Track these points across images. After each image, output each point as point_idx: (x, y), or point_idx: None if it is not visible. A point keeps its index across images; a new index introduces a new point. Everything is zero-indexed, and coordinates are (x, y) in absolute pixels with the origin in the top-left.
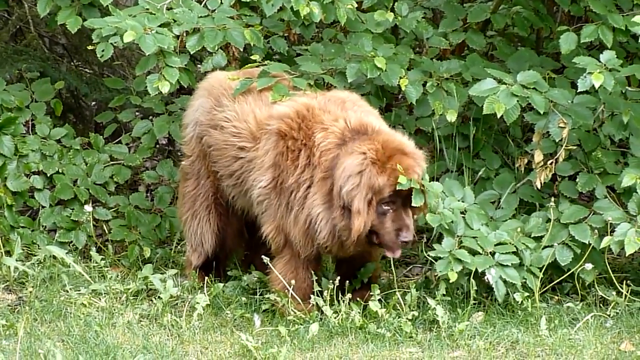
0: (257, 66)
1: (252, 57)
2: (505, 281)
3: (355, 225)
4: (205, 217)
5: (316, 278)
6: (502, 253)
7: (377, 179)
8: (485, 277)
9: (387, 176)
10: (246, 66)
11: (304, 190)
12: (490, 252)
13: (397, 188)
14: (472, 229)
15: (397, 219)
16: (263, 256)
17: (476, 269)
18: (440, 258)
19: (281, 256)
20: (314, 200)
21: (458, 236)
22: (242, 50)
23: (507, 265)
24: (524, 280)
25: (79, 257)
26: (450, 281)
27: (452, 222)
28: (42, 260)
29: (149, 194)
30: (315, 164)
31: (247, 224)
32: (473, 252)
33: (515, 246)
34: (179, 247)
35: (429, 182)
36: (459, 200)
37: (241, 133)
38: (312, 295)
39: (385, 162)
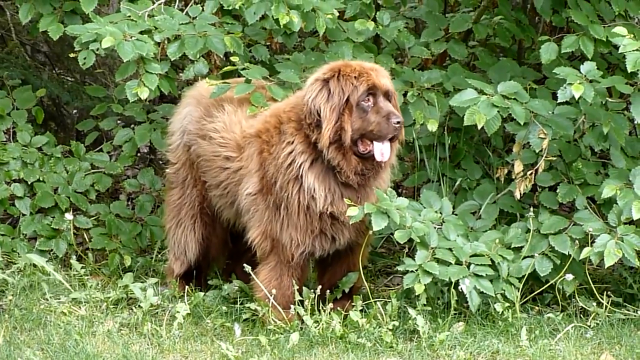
0: (235, 70)
1: (232, 59)
2: (481, 292)
3: (324, 131)
4: (189, 226)
5: (297, 287)
6: (478, 264)
7: (347, 83)
8: (460, 288)
9: (356, 78)
10: (224, 69)
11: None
12: (466, 263)
13: (370, 90)
14: (448, 240)
15: (381, 109)
16: (245, 265)
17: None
18: (409, 271)
19: (266, 262)
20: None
21: (432, 248)
22: (223, 57)
23: (481, 276)
24: (503, 291)
25: (59, 266)
26: (417, 293)
27: (424, 234)
28: (22, 269)
29: (130, 203)
30: (286, 131)
31: (231, 233)
32: (448, 263)
33: (491, 257)
34: (159, 255)
35: (396, 196)
36: (436, 212)
37: (228, 144)
38: (291, 305)
39: (345, 72)
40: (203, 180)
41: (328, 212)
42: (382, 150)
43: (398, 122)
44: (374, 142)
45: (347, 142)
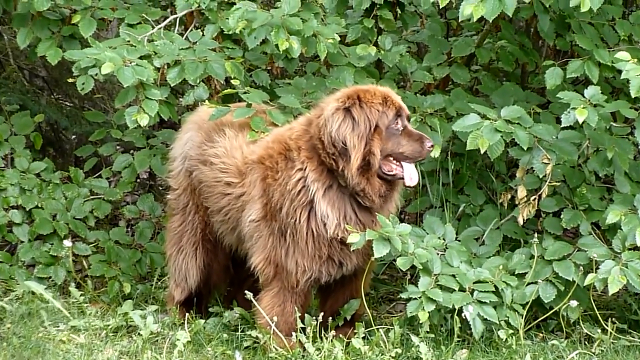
0: (236, 94)
1: (233, 82)
2: (484, 319)
3: (352, 160)
4: (191, 253)
5: (299, 314)
6: (481, 291)
7: (372, 109)
8: (463, 314)
9: (381, 103)
10: (224, 92)
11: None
12: (470, 290)
13: (398, 113)
14: (452, 267)
15: (412, 133)
16: (246, 291)
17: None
18: (412, 298)
19: (269, 288)
20: (314, 190)
21: (435, 274)
22: (224, 83)
23: (485, 303)
24: (507, 318)
25: (58, 293)
26: (421, 321)
27: (427, 261)
28: (20, 296)
29: (129, 229)
30: (295, 158)
31: (233, 259)
32: (451, 290)
33: (494, 284)
34: (159, 282)
35: (398, 222)
36: (439, 238)
37: (229, 169)
38: (293, 332)
39: (366, 98)
40: (205, 206)
41: (339, 238)
42: (412, 175)
43: (432, 146)
44: (404, 164)
45: (377, 166)
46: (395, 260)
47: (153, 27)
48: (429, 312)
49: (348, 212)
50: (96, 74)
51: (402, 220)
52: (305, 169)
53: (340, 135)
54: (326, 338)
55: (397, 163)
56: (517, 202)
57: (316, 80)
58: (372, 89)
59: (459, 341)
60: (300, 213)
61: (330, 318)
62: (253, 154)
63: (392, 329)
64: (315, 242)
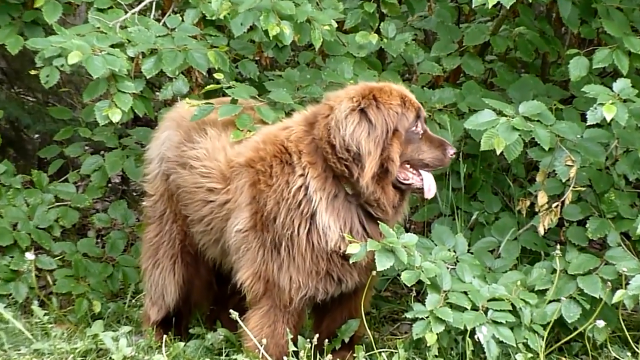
0: (219, 89)
1: (216, 76)
2: (500, 341)
3: (367, 168)
4: (168, 267)
5: (292, 336)
6: (497, 310)
7: (390, 111)
8: (476, 336)
9: (400, 104)
10: (207, 88)
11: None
12: (484, 308)
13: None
14: (463, 282)
15: (433, 138)
16: (231, 310)
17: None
18: (419, 318)
19: (258, 307)
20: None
21: (444, 291)
22: (206, 75)
23: (501, 323)
24: (525, 340)
25: (19, 312)
26: (429, 344)
27: (435, 276)
28: None
29: (99, 240)
30: (294, 163)
31: (217, 274)
32: (462, 309)
33: (511, 302)
34: (133, 300)
35: (403, 231)
36: (449, 250)
37: (211, 173)
38: (284, 357)
39: (383, 98)
40: (184, 214)
41: (340, 252)
42: (431, 185)
43: (454, 153)
44: (423, 173)
45: (395, 174)
46: (399, 275)
47: (126, 12)
48: (437, 333)
49: (355, 224)
50: (62, 65)
51: (407, 230)
52: (306, 176)
53: (354, 140)
54: None
55: (414, 171)
56: (537, 210)
57: (310, 73)
58: (388, 88)
59: None
60: (299, 224)
61: (327, 340)
62: (240, 156)
63: (396, 352)
64: (313, 256)
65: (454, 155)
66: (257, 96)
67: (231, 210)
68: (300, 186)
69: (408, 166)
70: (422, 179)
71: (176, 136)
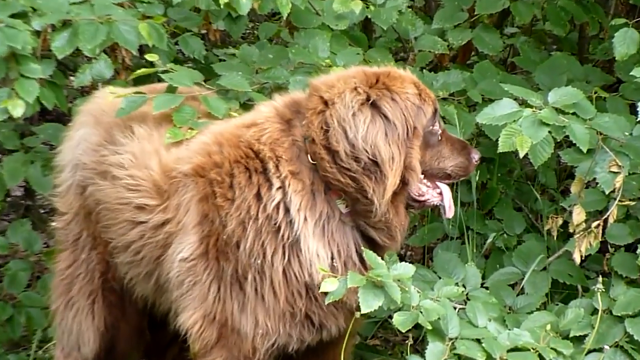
0: (155, 73)
1: (148, 57)
2: None
3: (389, 180)
4: (86, 308)
5: None
6: None
7: (407, 104)
8: None
9: (417, 93)
10: (137, 72)
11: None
12: None
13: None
14: (475, 327)
15: (454, 140)
16: None
17: None
18: None
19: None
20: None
21: (450, 339)
22: (136, 53)
23: None
24: None
25: None
26: None
27: (439, 318)
28: None
29: None
30: (270, 173)
31: (150, 317)
32: None
33: (539, 352)
34: (40, 351)
35: (396, 260)
36: (457, 283)
37: (140, 185)
38: None
39: (396, 86)
40: (106, 239)
41: None
42: (451, 202)
43: (479, 159)
44: (443, 187)
45: (414, 187)
46: (391, 317)
47: None
48: None
49: (351, 253)
50: None
51: (402, 258)
52: (287, 190)
53: (369, 144)
54: None
55: (429, 183)
56: (572, 230)
57: (274, 51)
58: (394, 72)
59: None
60: (274, 252)
61: None
62: (182, 162)
63: None
64: (289, 294)
65: (478, 162)
66: (203, 82)
67: (171, 234)
68: (279, 203)
69: (422, 177)
70: (441, 194)
71: (95, 136)
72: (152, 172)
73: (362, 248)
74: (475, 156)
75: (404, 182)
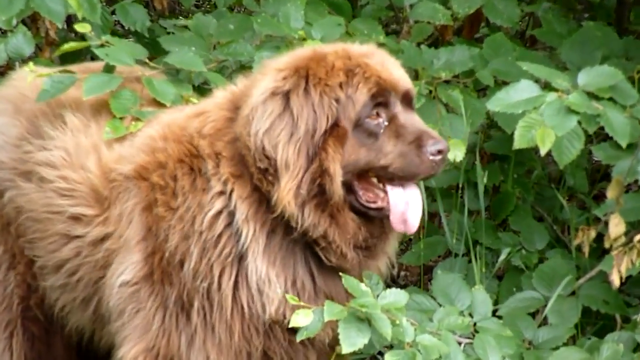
0: (86, 48)
1: (78, 28)
2: None
3: (282, 187)
4: (2, 343)
5: None
6: None
7: (324, 95)
8: None
9: (346, 81)
10: (65, 47)
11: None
12: None
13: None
14: None
15: (403, 129)
16: None
17: None
18: None
19: None
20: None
21: None
22: (62, 26)
23: None
24: None
25: None
26: None
27: (440, 358)
28: None
29: None
30: (209, 173)
31: (83, 354)
32: None
33: None
34: None
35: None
36: (462, 312)
37: (75, 190)
38: None
39: (318, 74)
40: (29, 257)
41: (284, 321)
42: (407, 210)
43: (440, 151)
44: (389, 190)
45: (336, 195)
46: (381, 354)
47: None
48: None
49: (300, 274)
50: None
51: (394, 281)
52: (229, 196)
53: (267, 143)
54: None
55: (383, 186)
56: (607, 246)
57: (235, 21)
58: (337, 51)
59: None
60: (221, 272)
61: None
62: (124, 161)
63: None
64: (244, 326)
65: (438, 155)
66: (147, 60)
67: (111, 252)
68: (220, 211)
69: (374, 179)
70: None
71: (14, 127)
72: (89, 174)
73: (339, 272)
74: (433, 147)
75: (322, 190)
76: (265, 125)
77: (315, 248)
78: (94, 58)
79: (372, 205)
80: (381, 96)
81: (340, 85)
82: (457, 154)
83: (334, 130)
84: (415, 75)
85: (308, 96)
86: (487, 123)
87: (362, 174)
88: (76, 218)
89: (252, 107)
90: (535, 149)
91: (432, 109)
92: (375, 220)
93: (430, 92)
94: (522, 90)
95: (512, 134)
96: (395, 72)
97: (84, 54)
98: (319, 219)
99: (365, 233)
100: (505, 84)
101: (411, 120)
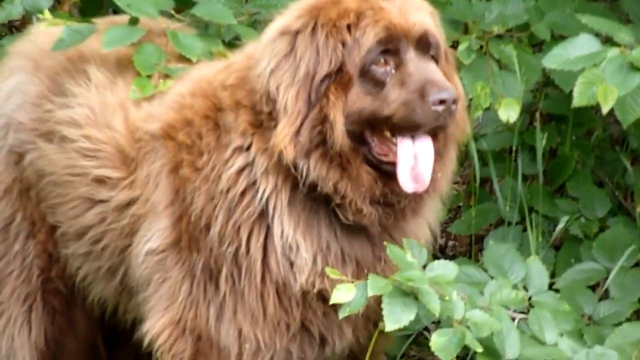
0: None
1: None
2: None
3: (280, 128)
4: (20, 317)
5: None
6: None
7: (330, 37)
8: None
9: (353, 23)
10: None
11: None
12: None
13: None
14: (542, 344)
15: (409, 77)
16: None
17: None
18: None
19: None
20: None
21: None
22: None
23: None
24: None
25: None
26: None
27: (492, 334)
28: None
29: None
30: (229, 126)
31: (108, 328)
32: None
33: None
34: None
35: (432, 260)
36: (516, 285)
37: (100, 151)
38: None
39: (328, 12)
40: (50, 223)
41: (315, 291)
42: (414, 166)
43: (443, 101)
44: (399, 142)
45: (337, 144)
46: (427, 330)
47: None
48: None
49: (324, 236)
50: None
51: (442, 252)
52: (249, 149)
53: (275, 83)
54: None
55: (395, 140)
56: None
57: None
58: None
59: None
60: (248, 236)
61: None
62: (151, 120)
63: None
64: (276, 296)
65: (441, 106)
66: (173, 12)
67: (138, 218)
68: (242, 168)
69: (387, 133)
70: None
71: (34, 85)
72: (115, 134)
73: (382, 241)
74: (436, 95)
75: (323, 139)
76: (271, 65)
77: (333, 206)
78: (116, 12)
79: (384, 159)
80: (389, 42)
81: (349, 28)
82: (510, 114)
83: (338, 75)
84: (465, 29)
85: (314, 37)
86: (543, 81)
87: (375, 125)
88: (100, 181)
89: (262, 47)
90: (596, 108)
91: (484, 65)
92: (395, 176)
93: (481, 47)
94: (581, 46)
95: (570, 92)
96: (413, 16)
97: (105, 7)
98: (327, 171)
99: (384, 188)
100: (562, 38)
101: (421, 68)
